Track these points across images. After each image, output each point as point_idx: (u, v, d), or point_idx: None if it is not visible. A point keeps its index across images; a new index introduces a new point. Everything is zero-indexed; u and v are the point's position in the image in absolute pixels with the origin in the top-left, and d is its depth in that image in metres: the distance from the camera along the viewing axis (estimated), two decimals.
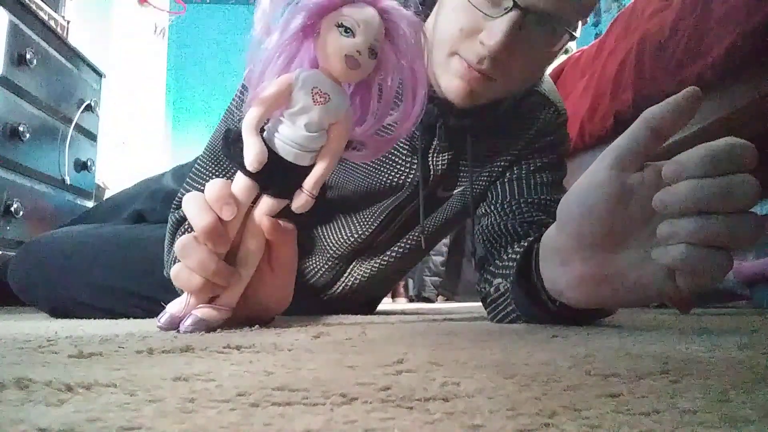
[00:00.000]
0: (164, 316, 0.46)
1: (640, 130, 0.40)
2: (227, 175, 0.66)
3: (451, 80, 0.61)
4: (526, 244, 0.64)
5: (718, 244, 0.37)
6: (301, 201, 0.45)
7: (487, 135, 0.72)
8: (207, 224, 0.44)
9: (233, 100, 0.70)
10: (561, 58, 1.90)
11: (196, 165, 0.71)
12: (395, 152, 0.72)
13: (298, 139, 0.44)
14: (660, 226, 0.39)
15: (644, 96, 1.20)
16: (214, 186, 0.45)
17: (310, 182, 0.45)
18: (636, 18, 1.36)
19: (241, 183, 0.45)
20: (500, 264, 0.68)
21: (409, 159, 0.71)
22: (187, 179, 0.71)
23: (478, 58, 0.58)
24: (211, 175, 0.68)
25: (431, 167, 0.72)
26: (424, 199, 0.72)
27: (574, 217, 0.44)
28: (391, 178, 0.72)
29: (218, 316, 0.46)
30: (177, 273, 0.45)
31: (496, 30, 0.55)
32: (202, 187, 0.47)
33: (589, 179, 0.43)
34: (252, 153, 0.43)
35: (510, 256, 0.66)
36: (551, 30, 0.58)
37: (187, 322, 0.44)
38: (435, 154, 0.71)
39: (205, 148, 0.71)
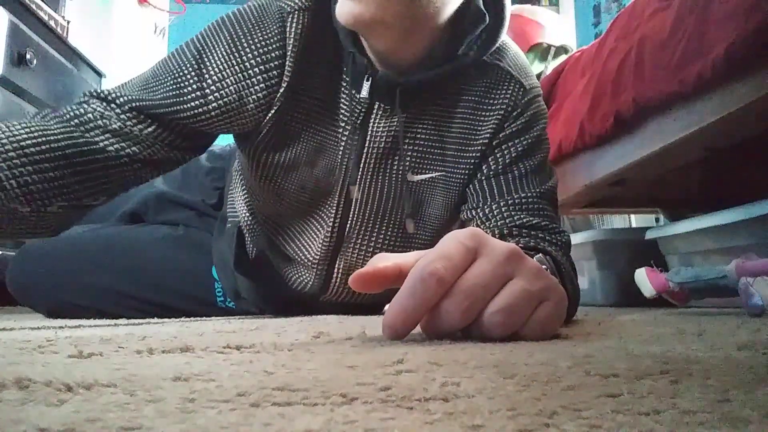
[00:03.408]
0: None
1: None
2: None
3: (340, 3, 0.59)
4: None
5: None
6: None
7: (429, 96, 0.68)
8: None
9: None
10: (561, 58, 1.90)
11: None
12: (323, 130, 0.69)
13: None
14: None
15: (644, 96, 1.20)
16: None
17: None
18: (636, 18, 1.36)
19: None
20: None
21: (339, 131, 0.69)
22: None
23: None
24: None
25: (368, 137, 0.68)
26: (397, 185, 0.70)
27: None
28: (324, 162, 0.69)
29: None
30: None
31: None
32: None
33: None
34: None
35: None
36: None
37: None
38: (376, 122, 0.68)
39: None
